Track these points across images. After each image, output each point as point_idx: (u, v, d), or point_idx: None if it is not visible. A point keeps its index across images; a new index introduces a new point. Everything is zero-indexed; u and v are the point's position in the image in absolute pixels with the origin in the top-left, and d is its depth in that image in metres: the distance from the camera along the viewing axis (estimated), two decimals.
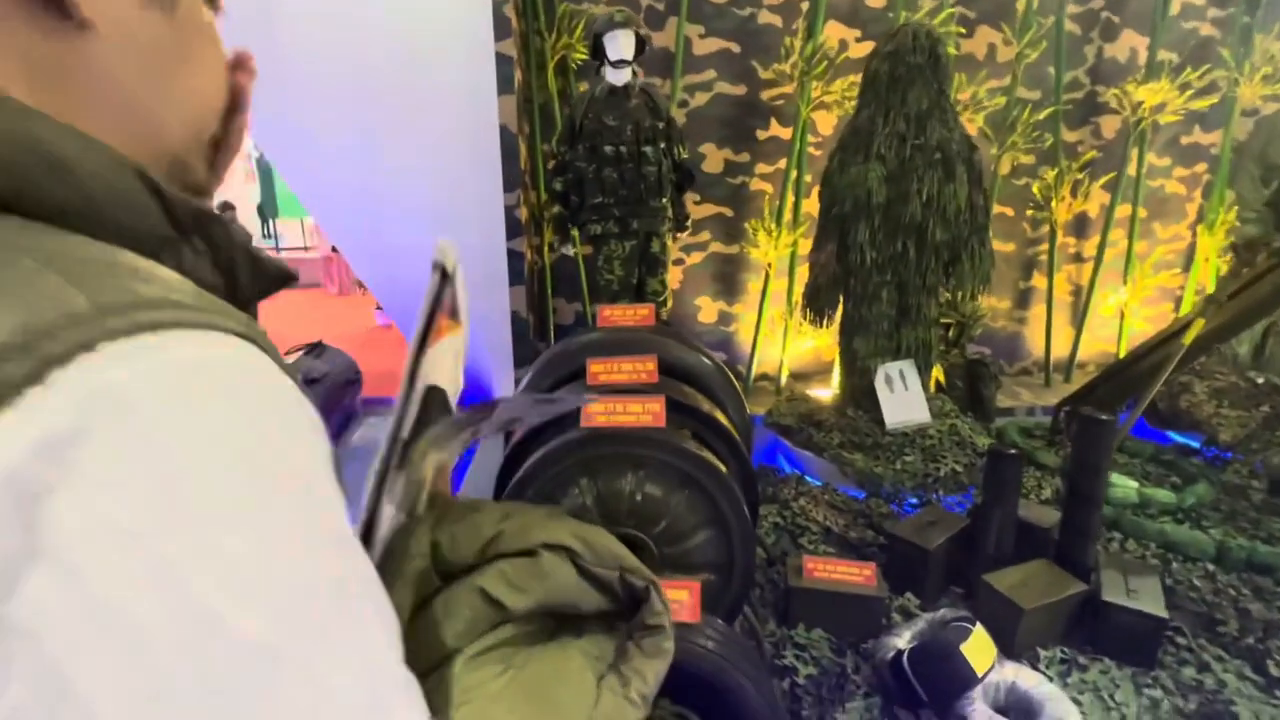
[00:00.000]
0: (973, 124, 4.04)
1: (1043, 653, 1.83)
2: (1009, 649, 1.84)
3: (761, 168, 4.09)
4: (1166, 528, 2.45)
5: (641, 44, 2.87)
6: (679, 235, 3.31)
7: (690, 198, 4.10)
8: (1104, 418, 1.86)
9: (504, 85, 3.20)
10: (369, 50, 3.25)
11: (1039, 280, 4.48)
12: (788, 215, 3.96)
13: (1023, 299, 4.56)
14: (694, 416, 1.77)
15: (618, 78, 2.82)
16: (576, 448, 1.47)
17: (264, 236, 15.60)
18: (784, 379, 4.16)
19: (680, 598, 1.20)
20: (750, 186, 4.10)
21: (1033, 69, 4.08)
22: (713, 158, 4.05)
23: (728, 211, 4.14)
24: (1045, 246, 4.34)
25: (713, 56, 3.90)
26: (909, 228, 2.71)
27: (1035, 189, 4.17)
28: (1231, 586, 2.15)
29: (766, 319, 4.07)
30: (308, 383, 3.47)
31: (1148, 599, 1.83)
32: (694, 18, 3.83)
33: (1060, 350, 4.52)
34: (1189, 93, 3.90)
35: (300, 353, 3.82)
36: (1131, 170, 4.23)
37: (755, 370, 4.17)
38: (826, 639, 1.89)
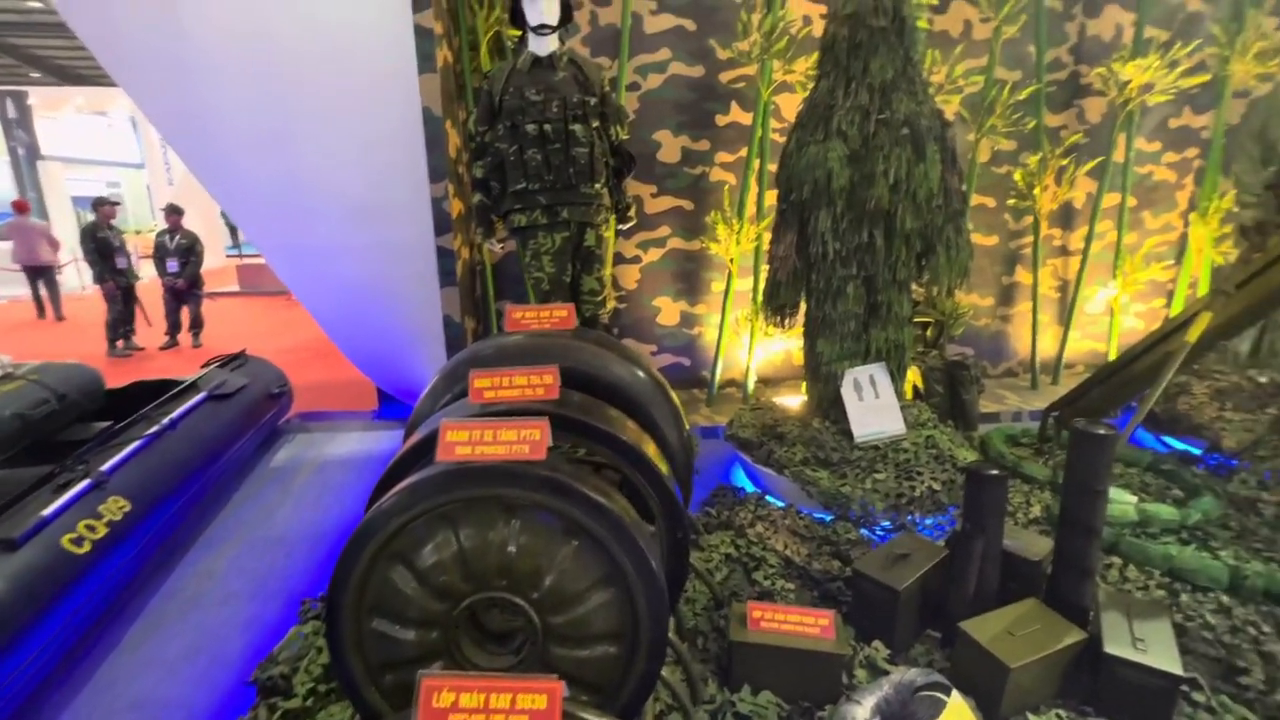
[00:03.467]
0: (949, 106, 3.74)
1: (1033, 718, 1.50)
2: (993, 714, 1.52)
3: (722, 156, 3.77)
4: (1172, 551, 2.15)
5: (568, 9, 2.53)
6: (622, 227, 2.97)
7: (648, 190, 3.78)
8: (1102, 432, 1.55)
9: (425, 63, 2.85)
10: (274, 25, 2.90)
11: (1023, 275, 4.19)
12: (751, 208, 3.64)
13: (1006, 295, 4.27)
14: (605, 443, 1.44)
15: (541, 46, 2.48)
16: (429, 490, 1.13)
17: (232, 245, 15.10)
18: (751, 385, 3.83)
19: (534, 706, 0.86)
20: (711, 176, 3.78)
21: (1012, 47, 3.79)
22: (669, 145, 3.73)
23: (687, 204, 3.82)
24: (1029, 239, 4.05)
25: (666, 34, 3.58)
26: (875, 215, 2.40)
27: (1017, 177, 3.88)
28: (1250, 623, 1.84)
29: (730, 320, 3.74)
30: (218, 398, 3.10)
31: (1158, 650, 1.51)
32: None
33: (1047, 350, 4.23)
34: (1178, 70, 3.63)
35: (214, 365, 3.45)
36: (1119, 156, 3.95)
37: (720, 376, 3.85)
38: (775, 705, 1.56)
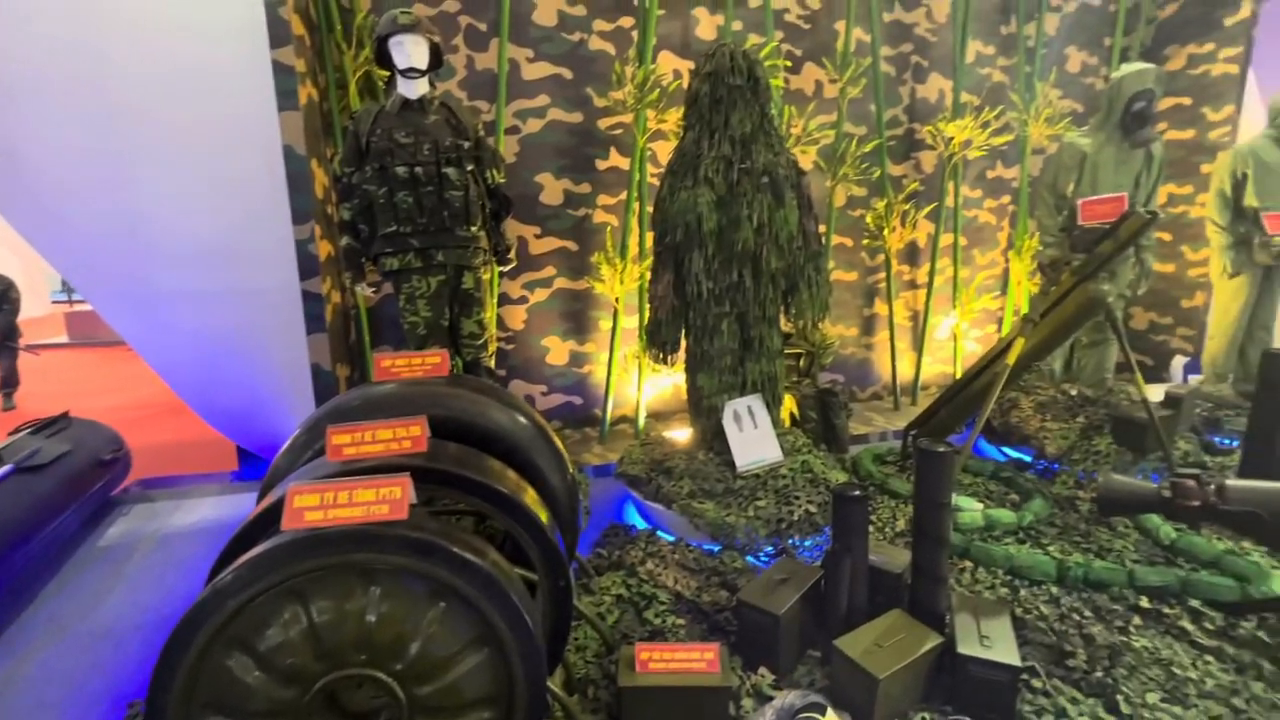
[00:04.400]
0: (807, 156, 4.12)
1: None
2: None
3: (604, 199, 3.88)
4: (1012, 551, 2.40)
5: (438, 54, 2.53)
6: (503, 269, 2.95)
7: (532, 231, 3.80)
8: (941, 450, 1.72)
9: (285, 100, 2.72)
10: (110, 50, 2.65)
11: (880, 307, 4.63)
12: (634, 248, 3.76)
13: (868, 325, 4.69)
14: (480, 495, 1.39)
15: (410, 90, 2.44)
16: (271, 564, 1.03)
17: (60, 291, 13.20)
18: (642, 421, 3.89)
19: None
20: (594, 218, 3.87)
21: (856, 105, 4.26)
22: (551, 188, 3.78)
23: (572, 245, 3.87)
24: (883, 274, 4.50)
25: (544, 81, 3.67)
26: (743, 256, 2.56)
27: (868, 219, 4.31)
28: (1074, 610, 2.09)
29: (619, 357, 3.80)
30: (28, 470, 2.67)
31: (1001, 645, 1.68)
32: (521, 41, 3.59)
33: (906, 374, 4.67)
34: (989, 130, 4.24)
35: (25, 431, 2.97)
36: (950, 201, 4.52)
37: (612, 414, 3.87)
38: None
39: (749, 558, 2.41)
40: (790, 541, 2.40)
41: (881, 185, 4.30)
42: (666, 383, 4.09)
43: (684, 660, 1.62)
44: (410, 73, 2.43)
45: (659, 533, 2.60)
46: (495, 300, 3.58)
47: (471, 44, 3.50)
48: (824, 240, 4.15)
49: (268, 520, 1.21)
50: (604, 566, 2.36)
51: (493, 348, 2.77)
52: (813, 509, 2.47)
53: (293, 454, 1.65)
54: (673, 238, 2.61)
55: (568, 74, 3.70)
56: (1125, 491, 1.77)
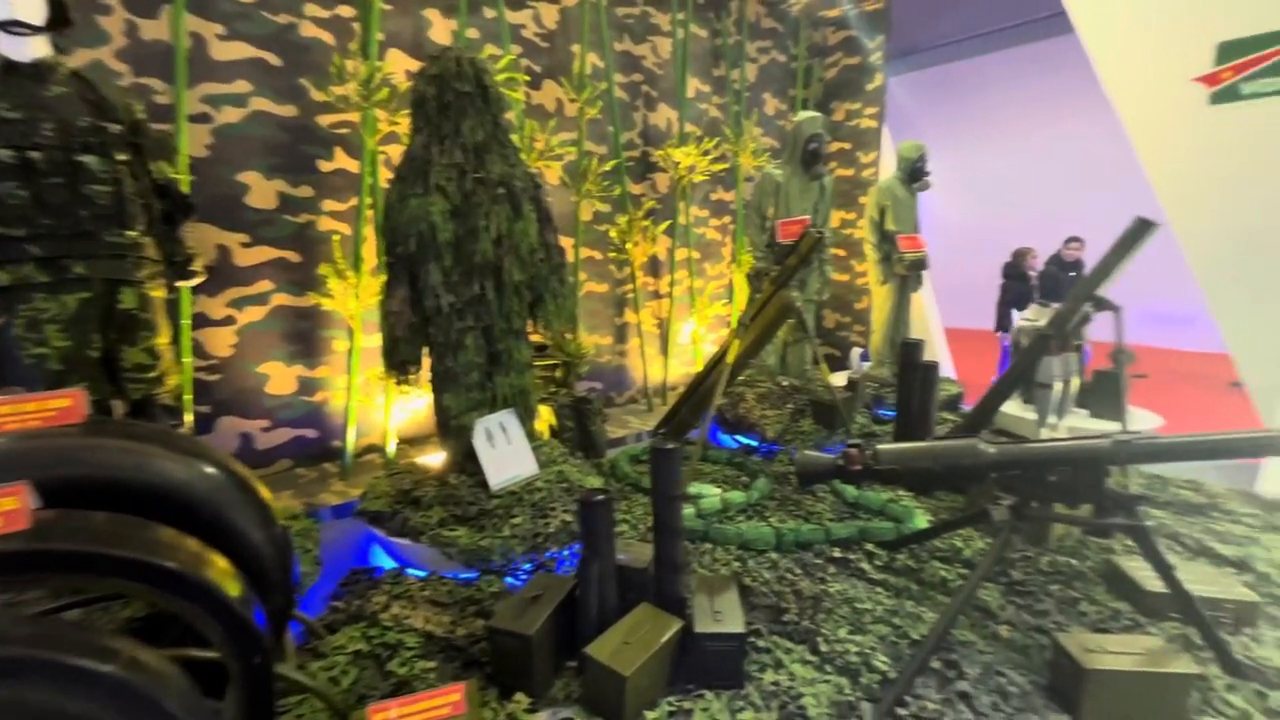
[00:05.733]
0: (551, 171, 4.20)
1: (650, 715, 1.67)
2: (620, 718, 1.65)
3: (331, 204, 3.46)
4: (742, 527, 2.72)
5: (60, 8, 1.97)
6: (185, 284, 2.43)
7: (238, 239, 3.21)
8: (670, 447, 1.86)
9: None
10: None
11: (631, 316, 4.94)
12: (372, 260, 3.42)
13: (620, 334, 4.96)
14: (125, 574, 1.08)
15: (18, 50, 1.85)
16: None
17: None
18: (392, 449, 3.55)
19: None
20: (319, 225, 3.43)
21: (597, 126, 4.49)
22: (261, 189, 3.25)
23: (293, 255, 3.37)
24: (631, 285, 4.80)
25: (244, 65, 3.14)
26: (484, 268, 2.49)
27: (613, 234, 4.57)
28: (789, 570, 2.44)
29: (359, 381, 3.41)
30: None
31: (729, 617, 1.86)
32: (208, 13, 3.02)
33: (656, 377, 5.05)
34: (709, 158, 4.81)
35: None
36: (683, 219, 5.02)
37: (356, 444, 3.46)
38: None
39: (508, 579, 2.33)
40: (548, 555, 2.38)
41: (623, 202, 4.59)
42: (420, 404, 3.80)
43: (426, 710, 1.48)
44: (13, 27, 1.84)
45: (408, 571, 2.37)
46: (188, 322, 2.94)
47: (133, 6, 2.83)
48: (576, 253, 4.29)
49: None
50: (340, 621, 2.07)
51: (173, 381, 2.22)
52: (569, 518, 2.49)
53: None
54: (405, 248, 2.42)
55: (275, 60, 3.22)
56: (813, 464, 2.12)
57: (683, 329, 5.24)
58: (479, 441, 2.55)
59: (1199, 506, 2.93)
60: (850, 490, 3.03)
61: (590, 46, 4.32)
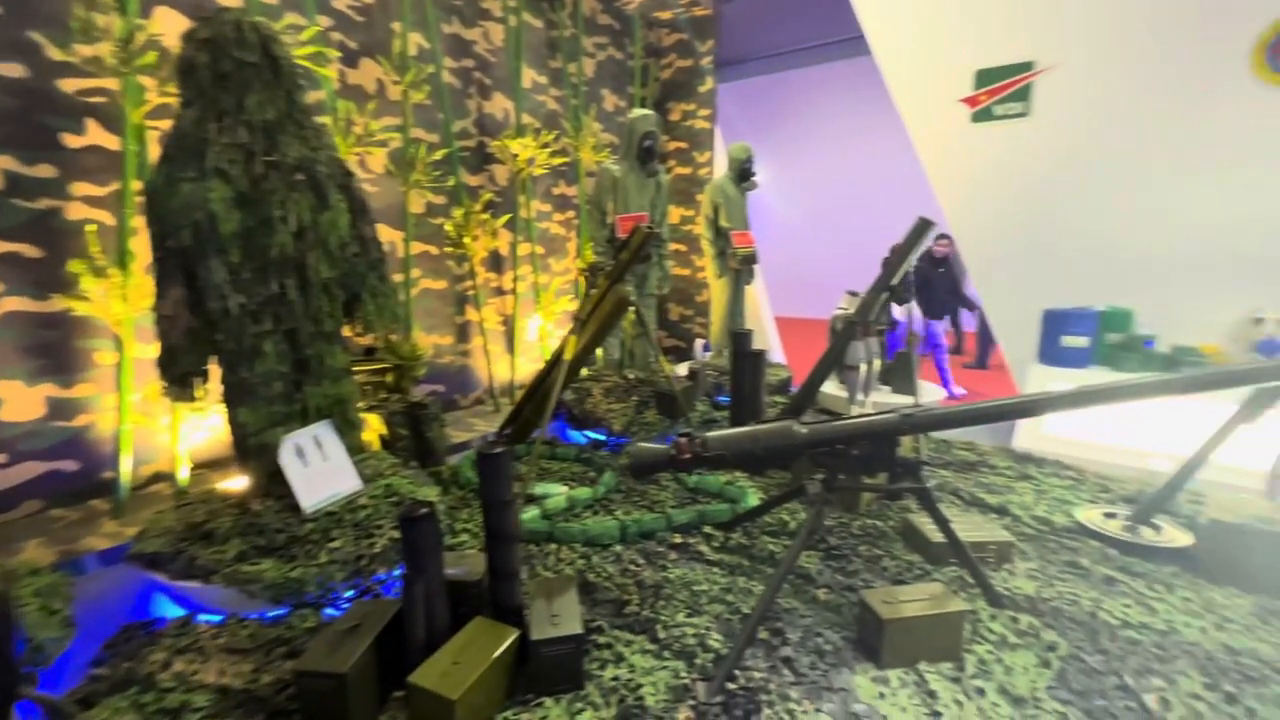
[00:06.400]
0: (374, 158, 3.87)
1: None
2: None
3: (85, 188, 2.87)
4: (587, 524, 2.70)
5: None
6: None
7: None
8: (497, 451, 1.77)
9: None
10: None
11: (473, 314, 4.72)
12: (146, 255, 2.88)
13: (463, 333, 4.73)
14: None
15: None
16: None
17: None
18: (184, 476, 3.05)
19: None
20: (66, 214, 2.83)
21: (426, 112, 4.20)
22: None
23: (31, 250, 2.75)
24: (471, 282, 4.58)
25: None
26: (283, 264, 2.19)
27: (449, 228, 4.32)
28: (632, 561, 2.46)
29: (133, 399, 2.88)
30: None
31: (567, 619, 1.82)
32: None
33: (504, 376, 4.89)
34: (548, 150, 4.73)
35: None
36: (524, 213, 4.89)
37: (135, 474, 2.92)
38: None
39: (327, 611, 2.09)
40: (375, 579, 2.18)
41: (459, 194, 4.35)
42: (218, 421, 3.30)
43: None
44: None
45: (199, 618, 2.04)
46: None
47: None
48: (407, 248, 3.99)
49: None
50: (101, 692, 1.72)
51: None
52: (399, 535, 2.29)
53: None
54: (177, 241, 2.06)
55: None
56: (646, 456, 2.15)
57: (529, 326, 5.12)
58: (287, 460, 2.26)
59: (972, 464, 3.45)
60: (690, 477, 3.14)
61: (414, 26, 4.03)
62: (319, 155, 2.31)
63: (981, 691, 1.70)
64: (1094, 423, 3.67)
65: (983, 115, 4.50)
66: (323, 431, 2.38)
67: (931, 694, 1.69)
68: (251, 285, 2.16)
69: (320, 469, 2.33)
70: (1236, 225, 3.80)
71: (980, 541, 2.33)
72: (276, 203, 2.16)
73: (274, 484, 2.30)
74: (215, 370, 2.28)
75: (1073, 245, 4.29)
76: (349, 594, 2.14)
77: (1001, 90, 4.43)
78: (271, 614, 2.06)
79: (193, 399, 2.23)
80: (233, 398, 2.25)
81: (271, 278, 2.19)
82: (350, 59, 3.83)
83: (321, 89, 3.54)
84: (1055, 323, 3.99)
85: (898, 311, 6.03)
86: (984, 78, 4.46)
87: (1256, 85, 3.65)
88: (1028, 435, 3.87)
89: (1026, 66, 4.30)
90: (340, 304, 2.43)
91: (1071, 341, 3.92)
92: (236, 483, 2.53)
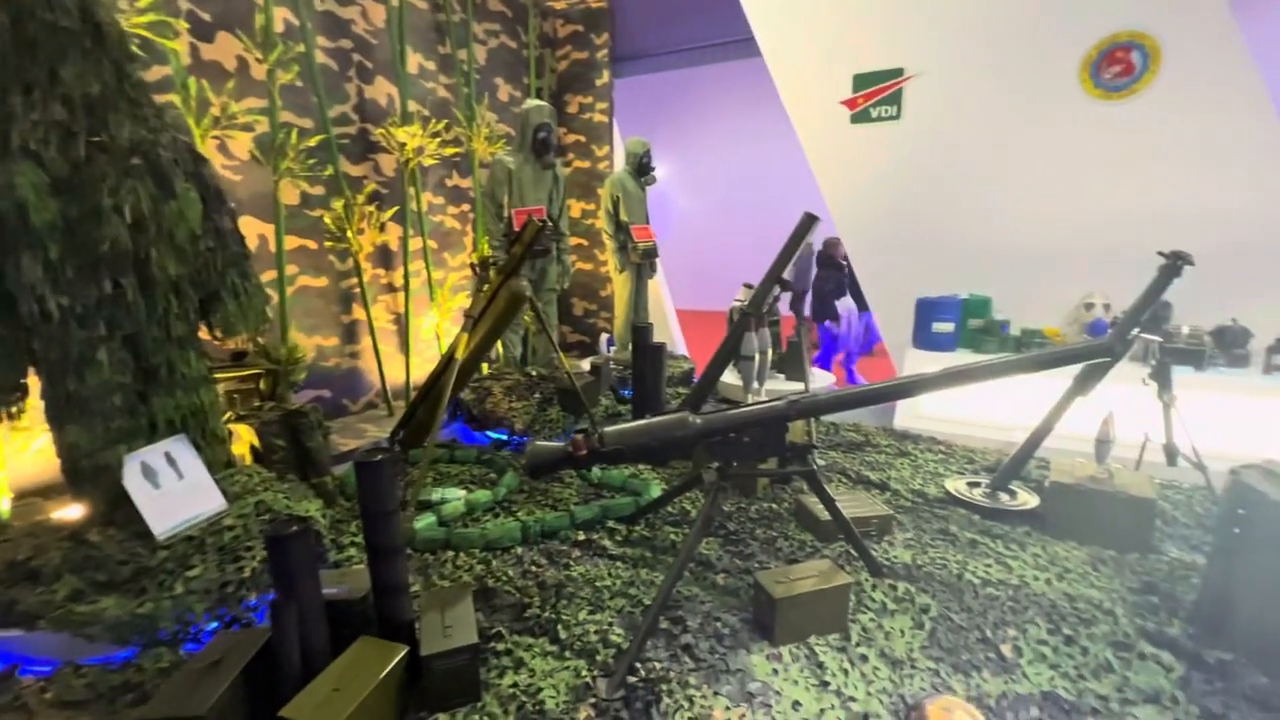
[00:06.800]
0: (237, 143, 3.52)
1: None
2: None
3: None
4: (487, 528, 2.61)
5: None
6: None
7: None
8: (376, 460, 1.65)
9: None
10: None
11: (360, 312, 4.43)
12: None
13: (349, 333, 4.42)
14: None
15: None
16: None
17: None
18: (2, 508, 2.62)
19: None
20: None
21: (297, 95, 3.87)
22: None
23: None
24: (356, 279, 4.29)
25: None
26: (118, 261, 1.93)
27: (328, 220, 4.02)
28: (534, 562, 2.41)
29: None
30: None
31: (461, 629, 1.74)
32: None
33: (397, 377, 4.63)
34: (438, 140, 4.51)
35: None
36: (415, 206, 4.64)
37: None
38: None
39: (186, 648, 1.87)
40: (244, 606, 1.98)
41: (339, 184, 4.05)
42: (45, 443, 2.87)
43: None
44: None
45: (23, 671, 1.76)
46: None
47: None
48: (279, 242, 3.66)
49: None
50: None
51: None
52: None
53: None
54: None
55: None
56: (544, 455, 2.10)
57: (423, 323, 4.88)
58: (134, 482, 2.00)
59: (858, 444, 3.68)
60: (594, 472, 3.12)
61: (279, 0, 3.69)
62: (160, 138, 2.06)
63: (865, 658, 1.80)
64: (961, 401, 4.02)
65: (861, 117, 4.79)
66: (176, 447, 2.13)
67: (820, 665, 1.77)
68: (77, 285, 1.88)
69: (174, 489, 2.08)
70: (1073, 222, 4.29)
71: (863, 516, 2.48)
72: (106, 190, 1.90)
73: (118, 510, 2.03)
74: (36, 384, 1.98)
75: (940, 239, 4.68)
76: (213, 626, 1.93)
77: (876, 94, 4.74)
78: (117, 656, 1.82)
79: (11, 417, 1.92)
80: (60, 414, 1.96)
81: (103, 276, 1.92)
82: (204, 32, 3.45)
83: (168, 64, 3.16)
84: (926, 310, 4.33)
85: (841, 308, 6.34)
86: (861, 81, 4.75)
87: (1085, 99, 4.13)
88: (907, 415, 4.18)
89: (898, 73, 4.61)
90: (195, 305, 2.18)
91: (941, 327, 4.27)
92: (71, 511, 2.21)
